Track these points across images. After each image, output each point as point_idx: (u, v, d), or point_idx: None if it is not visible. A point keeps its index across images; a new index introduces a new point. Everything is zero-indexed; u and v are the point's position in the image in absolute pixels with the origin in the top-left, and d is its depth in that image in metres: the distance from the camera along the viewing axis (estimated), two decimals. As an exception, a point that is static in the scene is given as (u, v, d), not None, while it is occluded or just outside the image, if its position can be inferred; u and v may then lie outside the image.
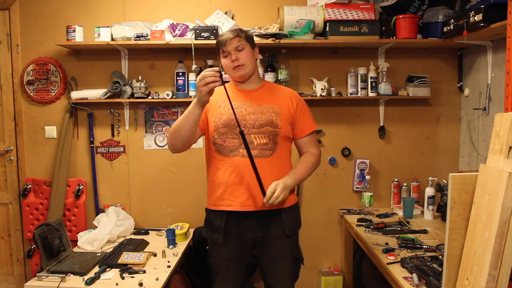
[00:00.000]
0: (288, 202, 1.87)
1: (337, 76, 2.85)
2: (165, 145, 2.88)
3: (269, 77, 2.68)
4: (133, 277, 2.08)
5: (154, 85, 2.84)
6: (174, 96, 2.73)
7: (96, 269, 2.16)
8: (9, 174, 2.91)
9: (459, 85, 2.87)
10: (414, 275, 1.76)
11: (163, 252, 2.36)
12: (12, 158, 2.90)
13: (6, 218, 2.94)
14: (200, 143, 2.70)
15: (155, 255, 2.35)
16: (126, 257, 2.22)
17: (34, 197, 2.85)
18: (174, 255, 2.37)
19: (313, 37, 2.61)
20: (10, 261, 2.97)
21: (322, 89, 2.68)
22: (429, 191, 2.60)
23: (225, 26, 2.63)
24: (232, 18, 2.73)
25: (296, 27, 2.58)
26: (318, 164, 1.95)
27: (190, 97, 2.71)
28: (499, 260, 1.26)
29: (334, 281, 2.88)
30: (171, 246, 2.48)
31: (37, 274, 2.11)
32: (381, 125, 2.90)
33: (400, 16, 2.58)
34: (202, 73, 1.62)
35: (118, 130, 2.88)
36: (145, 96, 2.73)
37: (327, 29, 2.58)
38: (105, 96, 2.70)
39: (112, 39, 2.64)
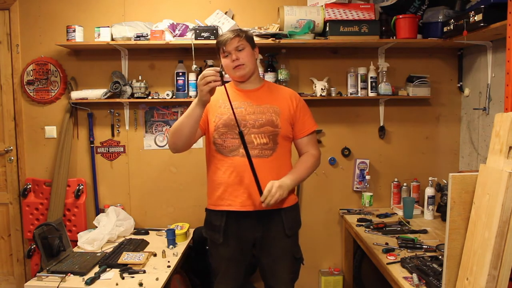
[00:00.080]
0: (288, 202, 1.87)
1: (337, 76, 2.85)
2: (165, 145, 2.88)
3: (269, 77, 2.68)
4: (133, 277, 2.08)
5: (154, 85, 2.84)
6: (174, 96, 2.73)
7: (96, 269, 2.16)
8: (9, 174, 2.91)
9: (459, 85, 2.87)
10: (414, 275, 1.76)
11: (163, 252, 2.36)
12: (12, 158, 2.90)
13: (6, 218, 2.94)
14: (200, 143, 2.71)
15: (155, 255, 2.35)
16: (126, 257, 2.22)
17: (34, 197, 2.85)
18: (174, 255, 2.37)
19: (313, 37, 2.61)
20: (10, 261, 2.97)
21: (322, 89, 2.68)
22: (429, 191, 2.60)
23: (225, 26, 2.63)
24: (232, 18, 2.73)
25: (296, 27, 2.58)
26: (318, 165, 1.95)
27: (190, 97, 2.71)
28: (499, 260, 1.26)
29: (334, 281, 2.88)
30: (171, 246, 2.48)
31: (37, 274, 2.11)
32: (381, 125, 2.90)
33: (400, 16, 2.58)
34: (203, 73, 1.63)
35: (118, 130, 2.88)
36: (145, 96, 2.73)
37: (327, 29, 2.58)
38: (105, 96, 2.70)
39: (112, 39, 2.64)
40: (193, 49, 2.58)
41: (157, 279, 2.04)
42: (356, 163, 2.91)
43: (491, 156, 1.38)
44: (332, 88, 2.77)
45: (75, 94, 2.74)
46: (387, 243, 2.19)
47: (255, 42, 1.93)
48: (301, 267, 1.98)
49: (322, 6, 2.62)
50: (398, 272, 1.85)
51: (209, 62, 2.73)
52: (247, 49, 1.83)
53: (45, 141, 2.88)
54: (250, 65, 1.85)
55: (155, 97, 2.74)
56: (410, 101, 2.87)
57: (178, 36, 2.63)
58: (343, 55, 2.85)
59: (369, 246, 2.21)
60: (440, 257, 1.90)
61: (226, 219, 1.85)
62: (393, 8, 2.61)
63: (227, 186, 1.83)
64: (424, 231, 2.35)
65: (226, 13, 2.71)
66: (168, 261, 2.26)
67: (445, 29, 2.49)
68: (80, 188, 2.82)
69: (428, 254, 2.01)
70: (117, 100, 2.73)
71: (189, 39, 2.62)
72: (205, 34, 2.58)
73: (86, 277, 2.05)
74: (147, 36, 2.59)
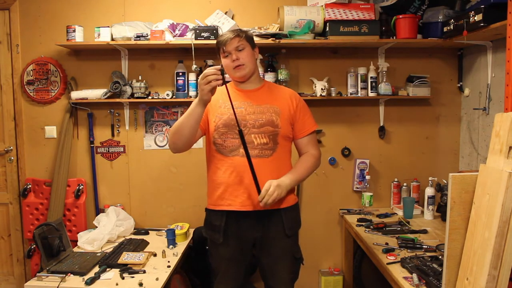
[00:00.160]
0: (288, 202, 1.87)
1: (337, 76, 2.85)
2: (165, 145, 2.88)
3: (269, 77, 2.68)
4: (133, 277, 2.08)
5: (154, 85, 2.84)
6: (174, 96, 2.73)
7: (96, 269, 2.16)
8: (9, 174, 2.91)
9: (459, 85, 2.87)
10: (414, 275, 1.76)
11: (163, 252, 2.36)
12: (12, 158, 2.90)
13: (6, 218, 2.94)
14: (200, 143, 2.71)
15: (155, 255, 2.35)
16: (126, 257, 2.22)
17: (34, 197, 2.85)
18: (174, 255, 2.37)
19: (313, 37, 2.61)
20: (10, 261, 2.97)
21: (322, 89, 2.68)
22: (429, 191, 2.60)
23: (225, 26, 2.63)
24: (232, 18, 2.73)
25: (296, 27, 2.58)
26: (318, 165, 1.94)
27: (190, 97, 2.71)
28: (499, 260, 1.26)
29: (334, 281, 2.88)
30: (171, 246, 2.48)
31: (37, 274, 2.11)
32: (381, 125, 2.90)
33: (400, 16, 2.58)
34: (205, 72, 1.62)
35: (118, 130, 2.88)
36: (145, 96, 2.73)
37: (327, 29, 2.58)
38: (105, 96, 2.70)
39: (112, 39, 2.64)
40: (193, 49, 2.58)
41: (157, 279, 2.04)
42: (356, 163, 2.91)
43: (491, 156, 1.38)
44: (332, 88, 2.77)
45: (75, 94, 2.74)
46: (387, 243, 2.19)
47: (255, 42, 1.93)
48: (301, 267, 1.98)
49: (322, 6, 2.62)
50: (398, 272, 1.85)
51: (209, 62, 2.73)
52: (247, 49, 1.83)
53: (45, 141, 2.88)
54: (250, 65, 1.85)
55: (155, 97, 2.74)
56: (410, 101, 2.87)
57: (178, 36, 2.63)
58: (343, 55, 2.85)
59: (369, 246, 2.21)
60: (440, 257, 1.90)
61: (226, 219, 1.85)
62: (393, 8, 2.61)
63: (227, 186, 1.83)
64: (424, 231, 2.35)
65: (226, 13, 2.71)
66: (168, 261, 2.27)
67: (445, 29, 2.49)
68: (80, 188, 2.82)
69: (428, 254, 2.01)
70: (117, 100, 2.73)
71: (189, 39, 2.62)
72: (205, 34, 2.58)
73: (86, 277, 2.05)
74: (147, 36, 2.59)
